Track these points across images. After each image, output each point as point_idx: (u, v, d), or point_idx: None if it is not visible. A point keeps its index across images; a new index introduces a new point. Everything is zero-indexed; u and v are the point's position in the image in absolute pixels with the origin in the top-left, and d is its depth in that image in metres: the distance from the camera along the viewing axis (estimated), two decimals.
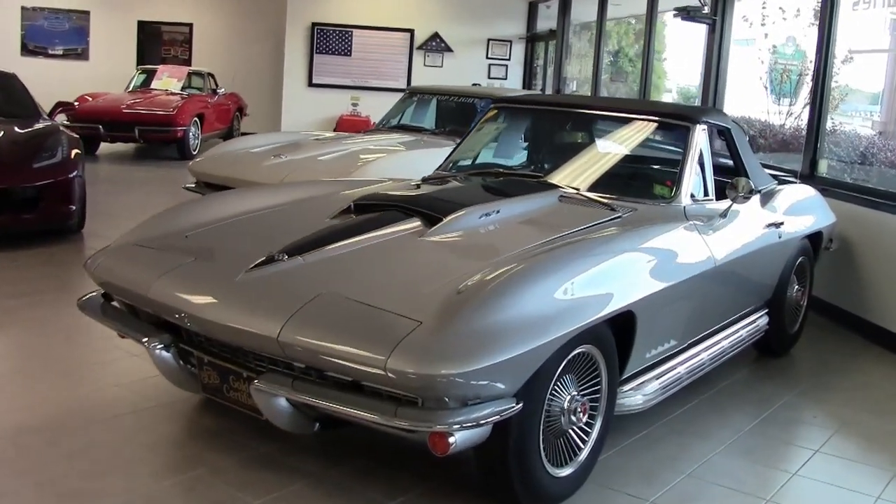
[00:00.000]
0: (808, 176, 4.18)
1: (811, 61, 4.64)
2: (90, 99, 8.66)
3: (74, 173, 4.64)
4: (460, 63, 10.35)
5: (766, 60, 6.90)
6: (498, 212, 2.40)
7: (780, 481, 2.29)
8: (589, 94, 7.89)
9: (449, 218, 2.29)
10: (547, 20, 10.04)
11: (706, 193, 2.78)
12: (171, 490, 2.02)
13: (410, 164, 3.87)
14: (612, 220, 2.44)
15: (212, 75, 10.14)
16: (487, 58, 10.57)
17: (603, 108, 3.20)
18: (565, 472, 2.03)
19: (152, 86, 9.33)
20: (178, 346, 2.11)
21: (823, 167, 4.33)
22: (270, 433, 2.15)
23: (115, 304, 2.35)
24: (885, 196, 3.71)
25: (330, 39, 10.26)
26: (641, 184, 2.90)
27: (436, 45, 10.43)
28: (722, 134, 3.14)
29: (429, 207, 2.36)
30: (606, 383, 2.13)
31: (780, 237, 3.07)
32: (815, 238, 3.46)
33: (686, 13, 5.40)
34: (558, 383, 1.95)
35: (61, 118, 6.04)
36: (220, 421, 2.39)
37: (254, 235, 2.33)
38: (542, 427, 1.90)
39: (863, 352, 3.57)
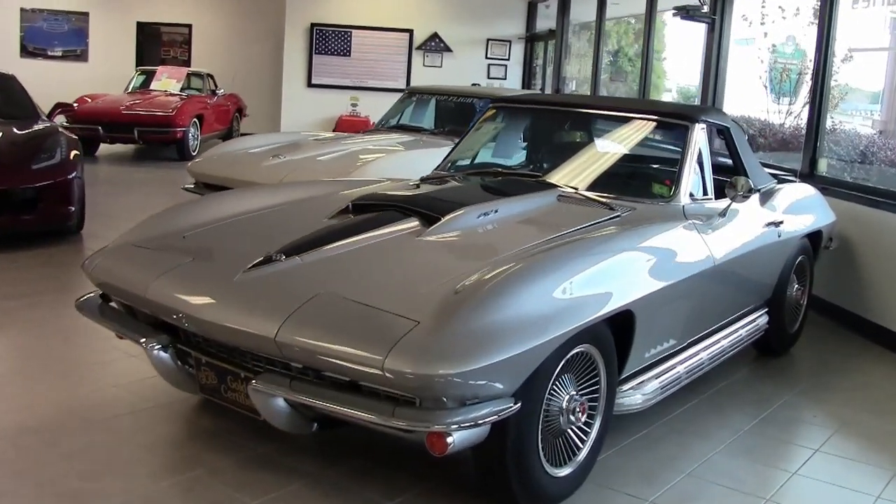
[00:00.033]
0: (808, 175, 4.18)
1: (811, 60, 4.64)
2: (89, 100, 8.66)
3: (73, 174, 4.64)
4: (460, 63, 10.35)
5: (766, 59, 6.90)
6: (496, 211, 2.40)
7: (779, 481, 2.28)
8: (588, 93, 7.88)
9: (447, 218, 2.28)
10: (546, 20, 10.04)
11: (705, 192, 2.77)
12: (169, 491, 2.02)
13: (409, 164, 3.86)
14: (610, 219, 2.44)
15: (211, 76, 10.14)
16: (487, 58, 10.57)
17: (601, 108, 3.20)
18: (564, 471, 2.02)
19: (151, 87, 9.33)
20: (175, 347, 2.10)
21: (823, 166, 4.32)
22: (268, 434, 2.14)
23: (113, 304, 2.34)
24: (885, 195, 3.70)
25: (329, 40, 10.27)
26: (640, 183, 2.90)
27: (435, 45, 10.43)
28: (721, 133, 3.14)
29: (427, 207, 2.36)
30: (605, 383, 2.12)
31: (779, 236, 3.06)
32: (814, 237, 3.45)
33: (685, 12, 5.40)
34: (557, 383, 1.94)
35: (60, 119, 6.04)
36: (219, 421, 2.38)
37: (252, 236, 2.32)
38: (540, 427, 1.90)
39: (863, 351, 3.56)
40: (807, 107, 4.61)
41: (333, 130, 9.14)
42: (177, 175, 6.90)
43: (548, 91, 9.39)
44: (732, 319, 2.89)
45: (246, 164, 4.33)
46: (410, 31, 10.39)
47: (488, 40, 10.54)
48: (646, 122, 2.97)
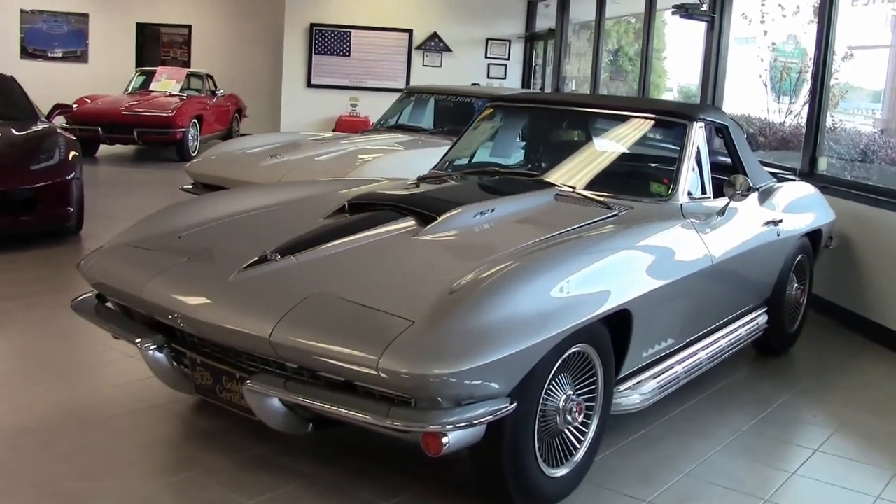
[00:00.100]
0: (808, 173, 4.16)
1: (811, 59, 4.62)
2: (89, 101, 8.67)
3: (72, 175, 4.64)
4: (459, 63, 10.35)
5: (766, 58, 6.88)
6: (493, 210, 2.39)
7: (778, 481, 2.27)
8: (588, 93, 7.86)
9: (443, 217, 2.27)
10: (546, 19, 10.03)
11: (703, 191, 2.76)
12: (164, 491, 2.01)
13: (408, 163, 3.85)
14: (608, 218, 2.42)
15: (211, 77, 10.14)
16: (486, 57, 10.56)
17: (599, 107, 3.19)
18: (561, 472, 2.01)
19: (151, 87, 9.34)
20: (170, 347, 2.09)
21: (823, 165, 4.31)
22: (265, 434, 2.14)
23: (109, 305, 2.34)
24: (885, 193, 3.69)
25: (328, 40, 10.27)
26: (638, 182, 2.89)
27: (434, 45, 10.43)
28: (720, 131, 3.13)
29: (423, 206, 2.35)
30: (602, 383, 2.11)
31: (778, 235, 3.05)
32: (814, 236, 3.43)
33: (685, 11, 5.38)
34: (553, 383, 1.93)
35: (59, 120, 6.04)
36: (215, 422, 2.38)
37: (247, 235, 2.32)
38: (536, 427, 1.89)
39: (863, 351, 3.55)
40: (807, 105, 4.59)
41: (333, 130, 9.14)
42: (176, 176, 6.89)
43: (548, 91, 9.38)
44: (731, 319, 2.88)
45: (244, 164, 4.32)
46: (410, 31, 10.39)
47: (488, 40, 10.53)
48: (644, 120, 2.96)
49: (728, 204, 2.70)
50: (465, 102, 5.13)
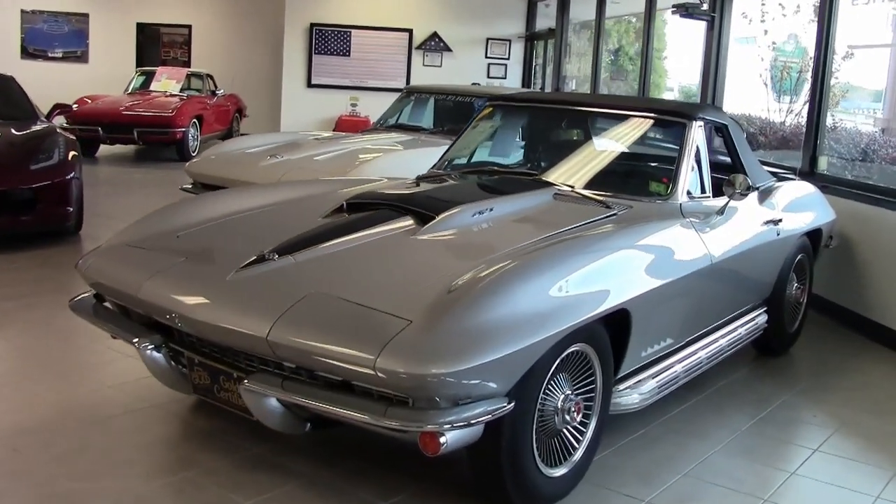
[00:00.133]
0: (808, 173, 4.15)
1: (811, 58, 4.61)
2: (89, 101, 8.68)
3: (71, 175, 4.64)
4: (459, 63, 10.34)
5: (767, 58, 6.87)
6: (491, 210, 2.38)
7: (778, 480, 2.27)
8: (588, 92, 7.86)
9: (441, 216, 2.27)
10: (546, 19, 10.02)
11: (703, 190, 2.75)
12: (162, 491, 2.01)
13: (407, 163, 3.85)
14: (606, 217, 2.42)
15: (211, 76, 10.15)
16: (486, 57, 10.56)
17: (598, 106, 3.18)
18: (559, 471, 2.01)
19: (151, 87, 9.34)
20: (168, 347, 2.09)
21: (823, 164, 4.30)
22: (263, 434, 2.13)
23: (107, 304, 2.34)
24: (885, 192, 3.68)
25: (328, 40, 10.27)
26: (637, 181, 2.88)
27: (434, 44, 10.43)
28: (719, 131, 3.12)
29: (421, 206, 2.34)
30: (601, 382, 2.10)
31: (778, 234, 3.04)
32: (814, 235, 3.43)
33: (684, 10, 5.38)
34: (552, 382, 1.93)
35: (59, 120, 6.04)
36: (214, 422, 2.38)
37: (245, 235, 2.31)
38: (535, 427, 1.88)
39: (863, 350, 3.54)
40: (807, 105, 4.58)
41: (333, 130, 9.13)
42: (176, 176, 6.89)
43: (548, 90, 9.37)
44: (731, 318, 2.87)
45: (243, 163, 4.32)
46: (410, 31, 10.38)
47: (488, 39, 10.53)
48: (643, 119, 2.95)
49: (727, 203, 2.70)
50: (464, 102, 5.13)
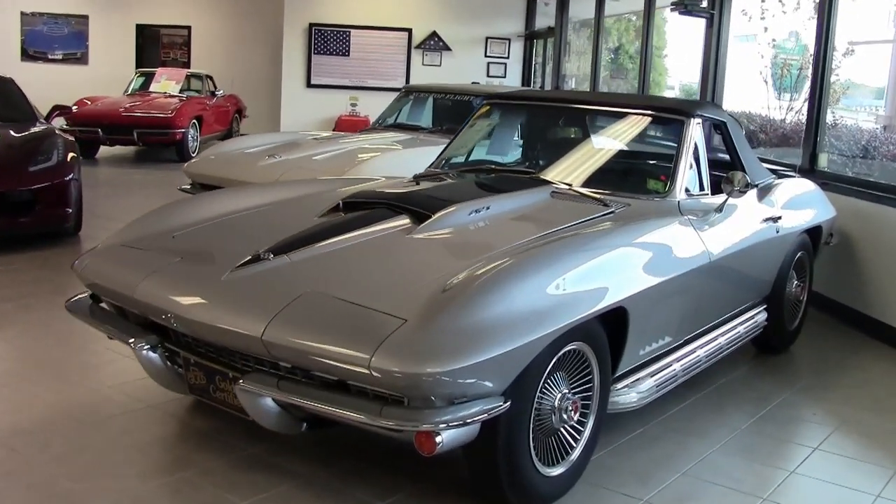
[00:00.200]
0: (808, 170, 4.14)
1: (812, 55, 4.60)
2: (89, 102, 8.69)
3: (70, 176, 4.64)
4: (459, 62, 10.34)
5: (767, 55, 6.85)
6: (488, 208, 2.37)
7: (777, 479, 2.25)
8: (588, 90, 7.84)
9: (438, 215, 2.26)
10: (545, 18, 10.01)
11: (701, 188, 2.74)
12: (159, 491, 2.01)
13: (406, 162, 3.84)
14: (604, 215, 2.41)
15: (210, 77, 10.15)
16: (486, 56, 10.55)
17: (596, 103, 3.17)
18: (557, 471, 2.00)
19: (151, 88, 9.35)
20: (164, 347, 2.09)
21: (823, 161, 4.28)
22: (259, 434, 2.13)
23: (103, 305, 2.33)
24: (886, 189, 3.66)
25: (328, 40, 10.27)
26: (635, 179, 2.87)
27: (434, 44, 10.42)
28: (718, 128, 3.11)
29: (417, 204, 2.34)
30: (598, 381, 2.09)
31: (777, 232, 3.03)
32: (814, 232, 3.41)
33: (683, 7, 5.36)
34: (548, 381, 1.92)
35: (59, 122, 6.05)
36: (210, 422, 2.37)
37: (241, 234, 2.31)
38: (531, 426, 1.87)
39: (863, 348, 3.52)
40: (807, 102, 4.56)
41: (333, 130, 9.13)
42: (176, 177, 6.88)
43: (548, 89, 9.36)
44: (730, 316, 2.86)
45: (242, 164, 4.31)
46: (409, 31, 10.38)
47: (487, 38, 10.51)
48: (641, 117, 2.94)
49: (726, 201, 2.68)
50: (463, 101, 5.11)
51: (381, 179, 3.04)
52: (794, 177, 3.66)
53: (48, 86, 9.40)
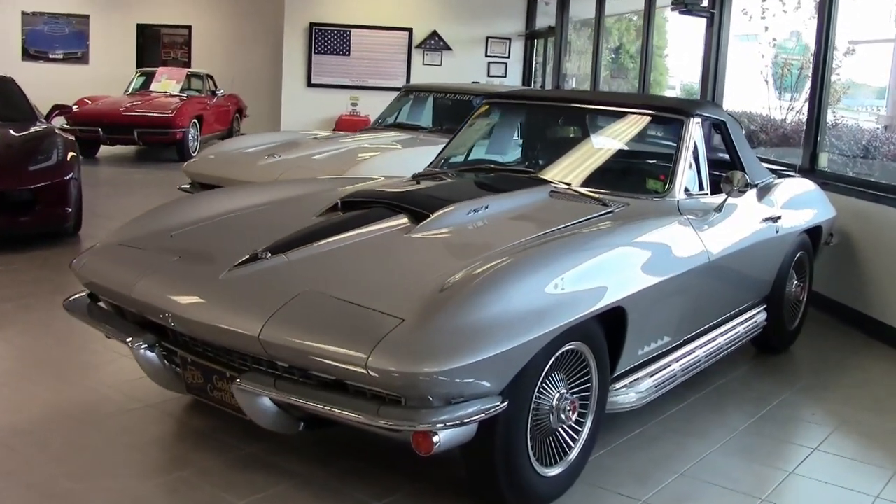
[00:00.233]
0: (809, 170, 4.13)
1: (813, 54, 4.58)
2: (89, 102, 8.69)
3: (70, 175, 4.64)
4: (459, 61, 10.33)
5: (767, 55, 6.83)
6: (486, 208, 2.37)
7: (776, 480, 2.25)
8: (588, 90, 7.83)
9: (436, 214, 2.26)
10: (546, 17, 10.00)
11: (701, 187, 2.73)
12: (157, 490, 2.01)
13: (406, 162, 3.83)
14: (603, 214, 2.40)
15: (211, 77, 10.15)
16: (486, 56, 10.54)
17: (595, 103, 3.16)
18: (554, 471, 1.99)
19: (151, 88, 9.35)
20: (162, 346, 2.09)
21: (824, 161, 4.27)
22: (257, 433, 2.12)
23: (101, 304, 2.33)
24: (886, 189, 3.65)
25: (328, 39, 10.26)
26: (634, 178, 2.86)
27: (434, 43, 10.41)
28: (717, 127, 3.10)
29: (416, 204, 2.33)
30: (597, 381, 2.09)
31: (777, 231, 3.02)
32: (814, 232, 3.40)
33: (684, 6, 5.35)
34: (547, 381, 1.91)
35: (59, 121, 6.05)
36: (208, 421, 2.37)
37: (239, 234, 2.30)
38: (529, 426, 1.87)
39: (863, 348, 3.51)
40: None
41: (334, 130, 9.13)
42: (177, 176, 6.87)
43: (549, 88, 9.35)
44: (730, 316, 2.85)
45: (241, 163, 4.31)
46: (410, 30, 10.37)
47: (488, 38, 10.51)
48: (640, 116, 2.94)
49: (725, 200, 2.67)
50: (463, 100, 5.11)
51: (380, 179, 3.04)
52: (794, 176, 3.65)
53: (49, 85, 9.40)
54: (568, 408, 1.98)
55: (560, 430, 1.99)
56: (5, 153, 4.55)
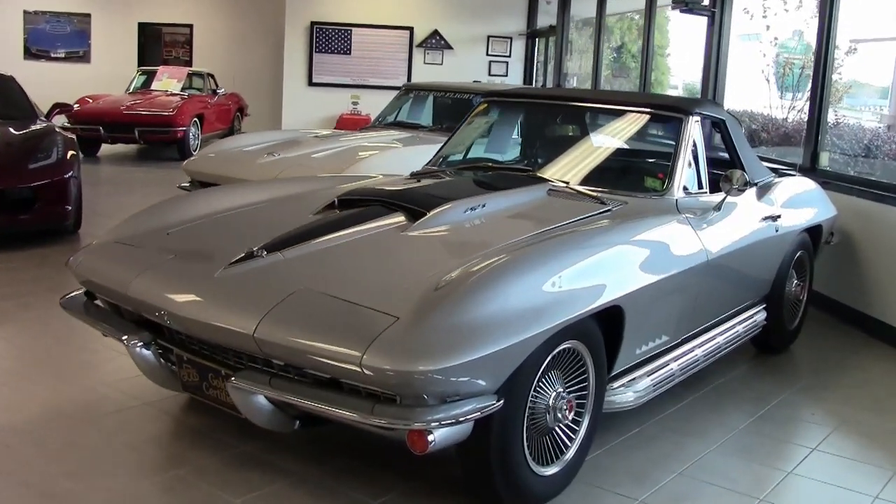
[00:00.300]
0: (809, 169, 4.11)
1: (814, 53, 4.56)
2: (91, 101, 8.70)
3: (70, 174, 4.64)
4: (460, 60, 10.32)
5: (769, 54, 6.80)
6: (483, 206, 2.36)
7: (775, 480, 2.24)
8: (588, 89, 7.81)
9: (433, 212, 2.25)
10: (547, 16, 9.99)
11: (700, 186, 2.72)
12: (153, 489, 2.00)
13: (405, 160, 3.82)
14: (601, 213, 2.39)
15: (212, 76, 10.16)
16: (488, 55, 10.53)
17: (594, 101, 3.15)
18: (551, 470, 1.98)
19: (152, 87, 9.36)
20: (158, 344, 2.08)
21: (825, 160, 4.25)
22: (252, 432, 2.12)
23: (98, 302, 2.33)
24: (888, 189, 3.63)
25: (329, 38, 10.26)
26: (633, 177, 2.85)
27: (435, 42, 10.41)
28: (717, 126, 3.09)
29: (413, 202, 2.33)
30: (594, 380, 2.08)
31: (777, 231, 3.01)
32: (814, 232, 3.39)
33: (684, 5, 5.33)
34: (543, 380, 1.90)
35: (60, 120, 6.06)
36: (204, 419, 2.37)
37: (235, 232, 2.30)
38: (525, 425, 1.86)
39: (863, 348, 3.50)
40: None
41: (334, 129, 9.13)
42: (177, 175, 6.86)
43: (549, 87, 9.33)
44: (729, 316, 2.84)
45: (241, 161, 4.31)
46: (411, 29, 10.37)
47: (489, 37, 10.50)
48: (639, 114, 2.92)
49: (724, 199, 2.66)
50: (463, 99, 5.10)
51: (377, 177, 3.03)
52: (794, 175, 3.64)
53: (51, 84, 9.42)
54: (564, 407, 1.97)
55: (557, 429, 1.99)
56: (5, 151, 4.56)
